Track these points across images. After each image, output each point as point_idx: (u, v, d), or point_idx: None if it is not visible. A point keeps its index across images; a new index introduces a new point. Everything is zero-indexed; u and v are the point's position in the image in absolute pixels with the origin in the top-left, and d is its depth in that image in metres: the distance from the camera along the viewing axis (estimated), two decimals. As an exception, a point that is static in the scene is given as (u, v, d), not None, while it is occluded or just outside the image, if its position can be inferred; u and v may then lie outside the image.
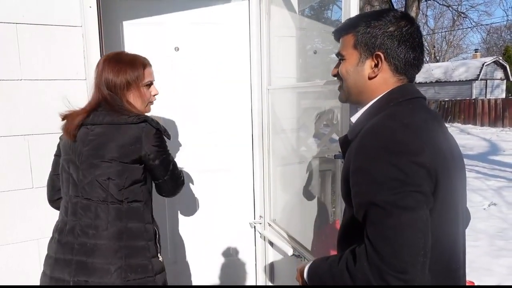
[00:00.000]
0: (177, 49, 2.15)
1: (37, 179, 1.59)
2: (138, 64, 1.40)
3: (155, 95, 1.47)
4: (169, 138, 1.39)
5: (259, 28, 2.17)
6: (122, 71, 1.36)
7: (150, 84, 1.44)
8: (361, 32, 0.95)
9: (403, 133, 0.83)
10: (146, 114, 1.42)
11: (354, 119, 1.00)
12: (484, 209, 5.10)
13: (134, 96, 1.40)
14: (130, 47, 2.01)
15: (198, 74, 2.19)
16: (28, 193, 1.58)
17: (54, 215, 1.58)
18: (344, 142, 1.01)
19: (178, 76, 2.17)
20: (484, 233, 4.22)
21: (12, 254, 1.58)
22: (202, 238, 2.31)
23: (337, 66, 1.03)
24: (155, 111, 2.10)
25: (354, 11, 1.37)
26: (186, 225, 2.28)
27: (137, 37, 2.05)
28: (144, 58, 1.45)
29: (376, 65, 0.94)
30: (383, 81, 0.95)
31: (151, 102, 1.48)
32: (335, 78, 1.07)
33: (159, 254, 1.38)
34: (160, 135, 1.35)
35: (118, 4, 2.01)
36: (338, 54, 1.02)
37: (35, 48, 1.54)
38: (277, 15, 2.17)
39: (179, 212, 2.28)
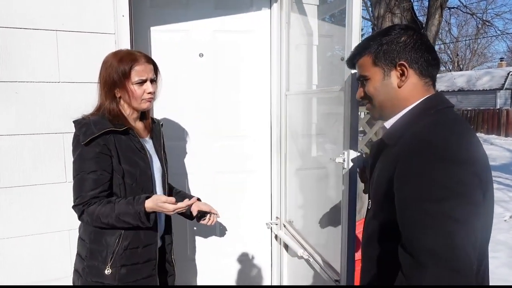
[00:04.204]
0: (201, 55, 2.25)
1: (70, 174, 1.70)
2: (126, 60, 1.37)
3: (150, 93, 1.41)
4: (84, 144, 1.35)
5: (279, 36, 2.25)
6: (110, 66, 1.38)
7: (142, 82, 1.39)
8: (376, 50, 1.00)
9: (457, 143, 0.85)
10: (146, 110, 1.46)
11: (388, 124, 1.03)
12: (505, 220, 4.99)
13: (124, 92, 1.39)
14: (157, 52, 2.12)
15: (220, 79, 2.29)
16: (62, 187, 1.70)
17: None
18: (380, 146, 1.04)
19: (202, 81, 2.27)
20: (504, 244, 4.13)
21: (45, 242, 1.70)
22: (221, 237, 2.38)
23: (362, 87, 1.06)
24: (178, 114, 2.22)
25: (356, 18, 1.38)
26: (205, 224, 2.37)
27: (164, 43, 2.17)
28: (139, 55, 1.40)
29: (402, 74, 0.98)
30: (412, 86, 0.99)
31: (147, 99, 1.42)
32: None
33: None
34: (76, 138, 1.37)
35: (147, 12, 2.13)
36: (360, 77, 1.06)
37: (72, 53, 1.67)
38: (297, 23, 2.25)
39: (198, 211, 2.36)
